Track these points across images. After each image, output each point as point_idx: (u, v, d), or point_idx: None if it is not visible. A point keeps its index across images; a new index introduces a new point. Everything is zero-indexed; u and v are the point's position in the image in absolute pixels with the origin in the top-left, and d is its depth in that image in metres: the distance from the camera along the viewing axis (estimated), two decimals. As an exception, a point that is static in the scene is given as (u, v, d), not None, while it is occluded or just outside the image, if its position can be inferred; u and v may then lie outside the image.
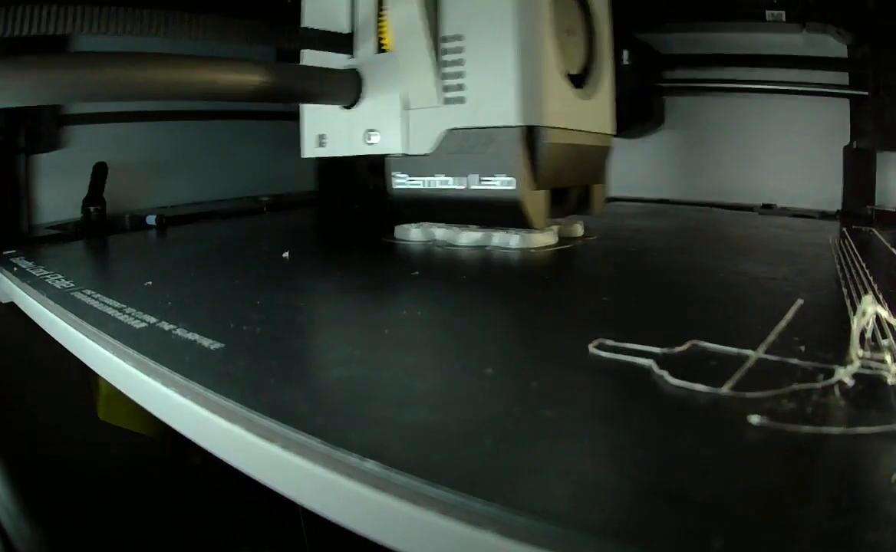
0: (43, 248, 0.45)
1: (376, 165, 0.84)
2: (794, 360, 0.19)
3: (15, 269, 0.38)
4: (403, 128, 0.39)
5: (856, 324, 0.19)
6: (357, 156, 0.42)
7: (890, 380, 0.17)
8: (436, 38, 0.37)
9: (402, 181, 0.40)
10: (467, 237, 0.40)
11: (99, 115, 0.63)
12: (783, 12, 0.61)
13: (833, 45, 0.63)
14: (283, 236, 0.55)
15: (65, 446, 0.47)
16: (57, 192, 0.59)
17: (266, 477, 0.17)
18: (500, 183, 0.36)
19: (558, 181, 0.39)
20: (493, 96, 0.36)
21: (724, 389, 0.17)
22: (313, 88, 0.39)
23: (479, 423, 0.16)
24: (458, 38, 0.37)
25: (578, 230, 0.45)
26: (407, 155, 0.39)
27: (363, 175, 0.84)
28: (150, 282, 0.33)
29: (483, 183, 0.37)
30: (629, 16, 0.69)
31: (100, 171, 0.56)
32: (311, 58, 0.42)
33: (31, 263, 0.39)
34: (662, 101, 0.74)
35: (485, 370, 0.20)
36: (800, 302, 0.25)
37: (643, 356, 0.20)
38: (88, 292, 0.31)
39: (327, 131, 0.43)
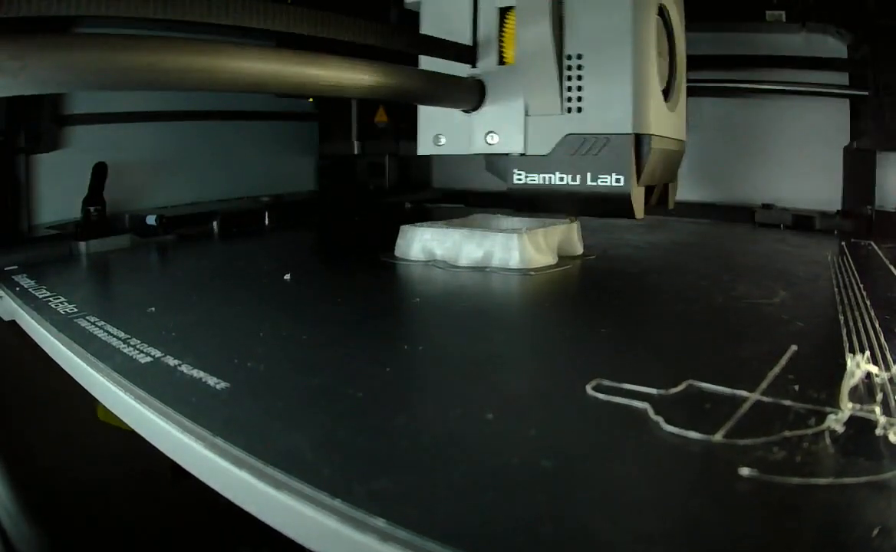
0: (44, 266, 0.45)
1: (376, 166, 0.85)
2: (788, 402, 0.20)
3: (17, 288, 0.39)
4: (524, 131, 0.44)
5: (845, 383, 0.19)
6: (476, 154, 0.46)
7: (878, 432, 0.18)
8: (559, 55, 0.42)
9: (520, 177, 0.44)
10: (467, 258, 0.42)
11: (99, 116, 0.63)
12: (783, 12, 0.61)
13: (833, 45, 0.63)
14: (284, 253, 0.55)
15: (64, 446, 0.47)
16: (57, 192, 0.59)
17: (274, 521, 0.17)
18: (612, 180, 0.41)
19: (653, 179, 0.45)
20: (610, 107, 0.41)
21: (717, 436, 0.18)
22: (443, 93, 0.43)
23: (480, 477, 0.17)
24: (579, 56, 0.42)
25: (578, 248, 0.46)
26: (525, 154, 0.44)
27: (363, 175, 0.84)
28: (153, 308, 0.33)
29: (597, 179, 0.42)
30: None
31: (100, 171, 0.56)
32: (425, 64, 0.46)
33: (33, 282, 0.40)
34: None
35: (486, 415, 0.20)
36: (794, 347, 0.25)
37: (640, 398, 0.20)
38: (92, 319, 0.31)
39: (444, 131, 0.47)
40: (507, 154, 0.45)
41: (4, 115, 0.55)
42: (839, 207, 0.63)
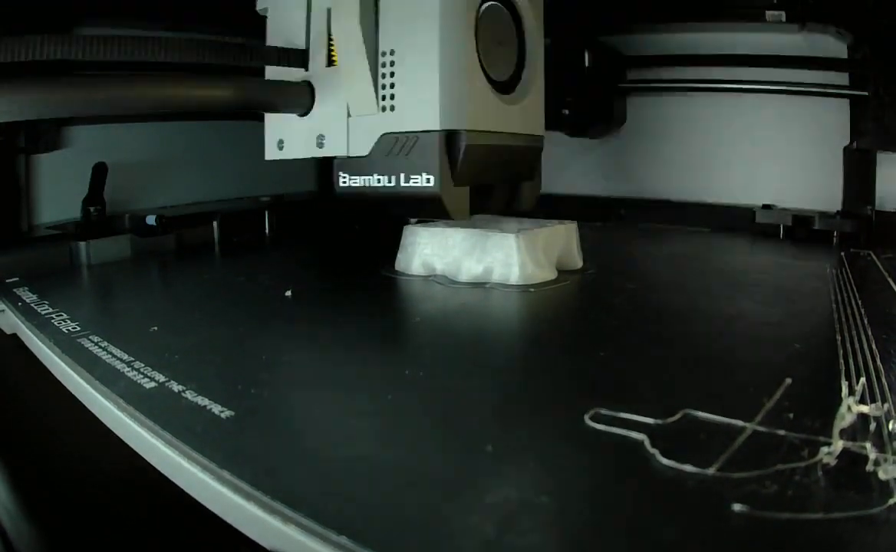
0: (46, 278, 0.45)
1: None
2: (782, 432, 0.20)
3: (20, 303, 0.39)
4: (347, 133, 0.43)
5: (837, 423, 0.19)
6: (311, 158, 0.47)
7: (868, 468, 0.18)
8: (373, 51, 0.42)
9: (345, 180, 0.44)
10: (467, 273, 0.42)
11: (99, 116, 0.63)
12: (783, 12, 0.61)
13: (833, 45, 0.63)
14: (284, 266, 0.56)
15: (65, 445, 0.47)
16: (57, 192, 0.59)
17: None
18: (422, 180, 0.41)
19: (483, 178, 0.44)
20: (419, 103, 0.40)
21: (711, 470, 0.18)
22: (272, 99, 0.44)
23: (479, 510, 0.17)
24: (392, 52, 0.41)
25: (577, 262, 0.46)
26: (349, 157, 0.44)
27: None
28: (156, 328, 0.34)
29: (410, 180, 0.41)
30: (630, 16, 0.70)
31: (100, 171, 0.56)
32: (273, 72, 0.46)
33: (35, 296, 0.40)
34: (624, 102, 0.74)
35: (485, 447, 0.20)
36: (788, 380, 0.25)
37: (637, 428, 0.21)
38: (95, 339, 0.32)
39: (286, 136, 0.48)
40: (334, 157, 0.45)
41: (4, 115, 0.55)
42: (839, 208, 0.63)
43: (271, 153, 0.49)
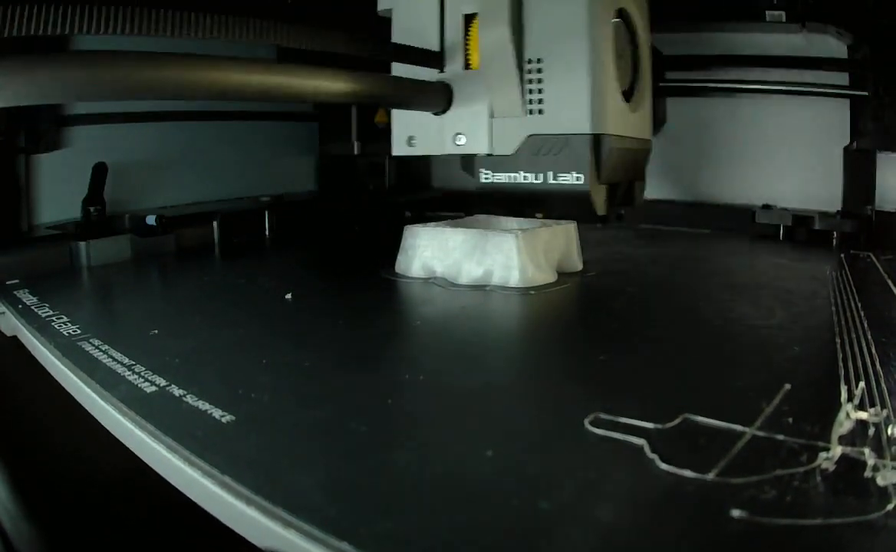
0: (46, 280, 0.45)
1: (375, 166, 0.85)
2: (781, 436, 0.20)
3: (20, 306, 0.39)
4: (489, 132, 0.46)
5: (835, 429, 0.19)
6: (447, 154, 0.49)
7: (867, 474, 0.18)
8: (520, 59, 0.44)
9: (487, 176, 0.47)
10: (467, 275, 0.42)
11: (99, 116, 0.63)
12: (783, 12, 0.61)
13: (833, 46, 0.63)
14: (284, 268, 0.56)
15: (65, 446, 0.47)
16: (57, 192, 0.59)
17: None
18: (572, 178, 0.44)
19: (614, 178, 0.47)
20: (569, 109, 0.43)
21: (711, 475, 0.18)
22: (413, 97, 0.45)
23: (480, 519, 0.17)
24: (539, 60, 0.44)
25: (577, 264, 0.47)
26: (491, 155, 0.46)
27: (363, 176, 0.84)
28: (156, 330, 0.34)
29: (558, 178, 0.44)
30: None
31: (100, 171, 0.56)
32: (398, 70, 0.49)
33: (35, 299, 0.40)
34: (664, 102, 0.74)
35: (486, 452, 0.20)
36: (787, 386, 0.25)
37: (636, 433, 0.21)
38: (96, 343, 0.32)
39: (416, 133, 0.50)
40: (474, 154, 0.47)
41: (4, 115, 0.55)
42: (839, 208, 0.63)
43: (400, 149, 0.51)
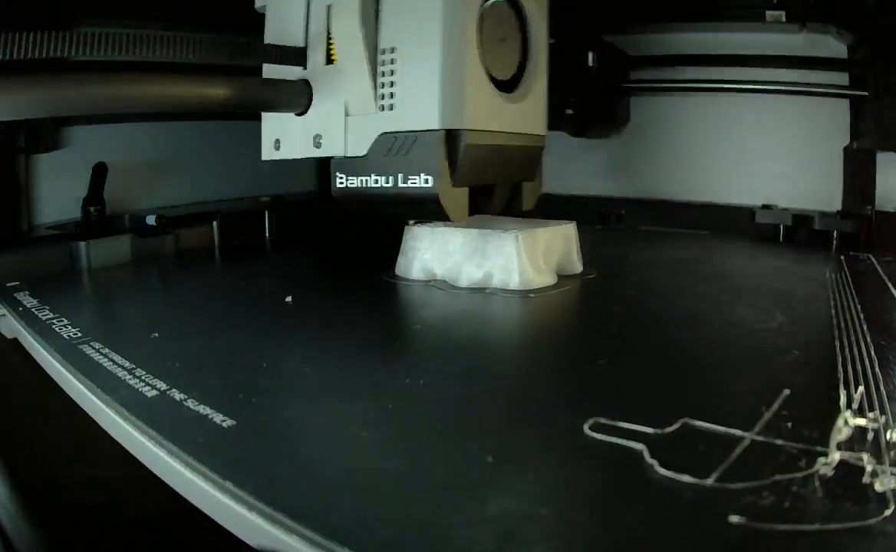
0: (46, 282, 0.46)
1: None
2: (780, 441, 0.20)
3: (20, 308, 0.39)
4: (344, 132, 0.42)
5: (833, 436, 0.19)
6: (308, 158, 0.46)
7: (865, 480, 0.18)
8: (373, 49, 0.41)
9: (342, 181, 0.44)
10: (468, 278, 0.42)
11: (99, 116, 0.63)
12: (783, 12, 0.61)
13: (833, 45, 0.63)
14: (284, 270, 0.56)
15: (65, 447, 0.47)
16: (57, 192, 0.59)
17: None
18: (421, 180, 0.40)
19: (482, 179, 0.43)
20: (419, 102, 0.39)
21: (709, 481, 0.18)
22: (268, 98, 0.43)
23: (480, 522, 0.17)
24: (392, 49, 0.40)
25: (577, 267, 0.46)
26: (347, 157, 0.43)
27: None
28: (156, 334, 0.34)
29: (408, 181, 0.40)
30: (631, 16, 0.70)
31: (100, 171, 0.56)
32: (271, 70, 0.45)
33: (35, 301, 0.40)
34: (628, 102, 0.74)
35: (486, 458, 0.20)
36: (786, 391, 0.25)
37: (636, 438, 0.21)
38: (97, 346, 0.32)
39: (282, 136, 0.47)
40: (331, 157, 0.44)
41: (4, 116, 0.55)
42: (839, 207, 0.63)
43: (268, 153, 0.49)
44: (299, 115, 0.44)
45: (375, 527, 0.17)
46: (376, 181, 0.42)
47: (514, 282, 0.41)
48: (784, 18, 0.61)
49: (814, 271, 0.47)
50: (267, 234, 0.67)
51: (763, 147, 0.68)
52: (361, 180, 0.42)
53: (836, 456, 0.19)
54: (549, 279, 0.43)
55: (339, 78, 0.42)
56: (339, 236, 0.68)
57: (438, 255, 0.44)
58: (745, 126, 0.69)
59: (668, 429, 0.21)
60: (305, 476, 0.20)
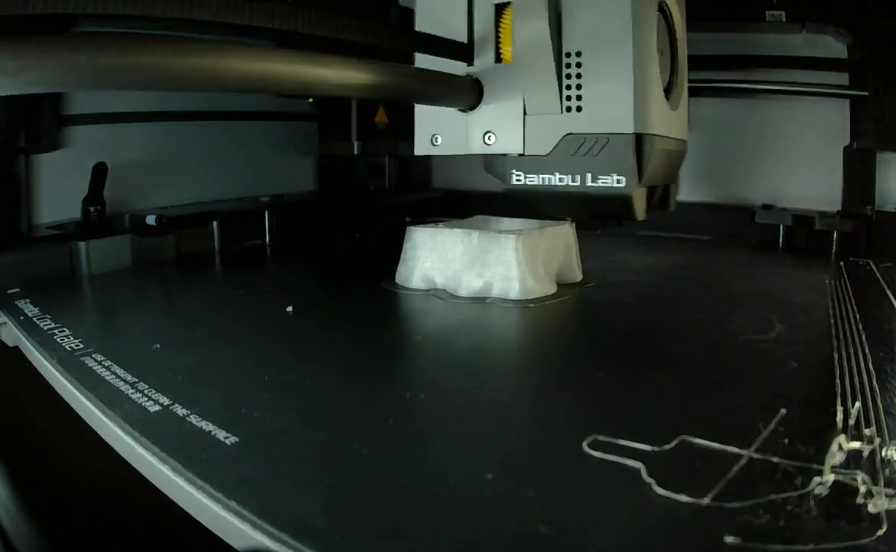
0: (47, 289, 0.45)
1: (376, 166, 0.85)
2: (776, 459, 0.20)
3: (21, 317, 0.39)
4: (522, 131, 0.43)
5: (828, 459, 0.19)
6: (473, 154, 0.46)
7: (859, 500, 0.18)
8: (558, 53, 0.41)
9: (519, 178, 0.44)
10: (467, 287, 0.42)
11: (99, 116, 0.63)
12: (783, 12, 0.61)
13: (833, 45, 0.63)
14: (285, 278, 0.55)
15: (65, 448, 0.47)
16: (57, 192, 0.60)
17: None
18: (612, 181, 0.41)
19: (654, 180, 0.44)
20: (610, 106, 0.41)
21: (706, 500, 0.18)
22: (440, 92, 0.42)
23: (483, 537, 0.17)
24: (578, 53, 0.41)
25: (577, 275, 0.46)
26: (524, 155, 0.43)
27: (363, 175, 0.84)
28: (158, 345, 0.34)
29: (597, 180, 0.41)
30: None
31: (100, 171, 0.56)
32: (423, 62, 0.45)
33: (37, 310, 0.40)
34: None
35: (485, 475, 0.21)
36: (783, 411, 0.25)
37: (634, 456, 0.21)
38: (99, 358, 0.32)
39: (441, 131, 0.46)
40: (505, 154, 0.44)
41: (4, 115, 0.55)
42: (839, 207, 0.63)
43: (423, 148, 0.48)
44: (465, 111, 0.45)
45: (374, 546, 0.17)
46: (561, 180, 0.42)
47: (514, 292, 0.41)
48: (784, 18, 0.61)
49: (813, 278, 0.47)
50: (267, 238, 0.67)
51: (763, 147, 0.68)
52: (543, 178, 0.43)
53: (830, 477, 0.19)
54: (548, 288, 0.43)
55: (517, 77, 0.43)
56: (339, 240, 0.68)
57: (439, 264, 0.44)
58: (745, 126, 0.69)
59: (666, 447, 0.21)
60: (309, 494, 0.20)
